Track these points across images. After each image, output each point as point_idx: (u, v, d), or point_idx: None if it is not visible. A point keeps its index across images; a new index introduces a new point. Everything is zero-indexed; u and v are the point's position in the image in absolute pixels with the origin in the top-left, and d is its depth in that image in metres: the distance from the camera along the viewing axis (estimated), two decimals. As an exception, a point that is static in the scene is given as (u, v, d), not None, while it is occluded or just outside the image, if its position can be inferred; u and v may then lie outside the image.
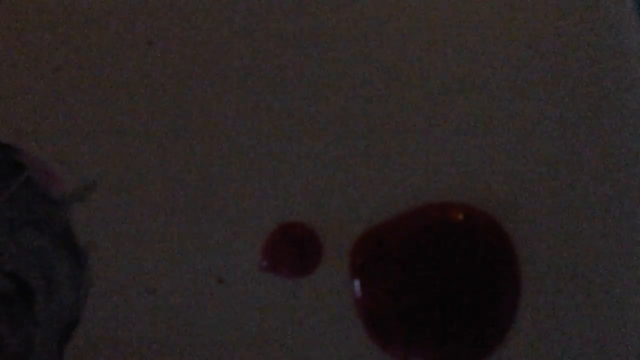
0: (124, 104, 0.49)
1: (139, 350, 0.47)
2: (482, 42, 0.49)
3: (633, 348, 0.47)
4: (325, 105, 0.49)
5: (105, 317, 0.47)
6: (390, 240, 0.48)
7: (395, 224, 0.48)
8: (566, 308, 0.48)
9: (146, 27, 0.49)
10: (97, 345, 0.47)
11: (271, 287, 0.48)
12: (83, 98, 0.49)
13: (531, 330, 0.47)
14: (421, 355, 0.47)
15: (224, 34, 0.49)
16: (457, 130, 0.49)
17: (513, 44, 0.49)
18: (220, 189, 0.48)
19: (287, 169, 0.48)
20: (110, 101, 0.49)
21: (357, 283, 0.48)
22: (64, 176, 0.48)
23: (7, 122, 0.48)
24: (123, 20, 0.49)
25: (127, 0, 0.50)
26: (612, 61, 0.49)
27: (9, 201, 0.47)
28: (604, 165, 0.48)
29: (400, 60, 0.49)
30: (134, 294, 0.48)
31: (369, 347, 0.47)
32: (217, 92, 0.49)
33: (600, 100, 0.49)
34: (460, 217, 0.48)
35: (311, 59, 0.49)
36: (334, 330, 0.47)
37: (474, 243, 0.47)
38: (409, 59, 0.49)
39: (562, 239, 0.48)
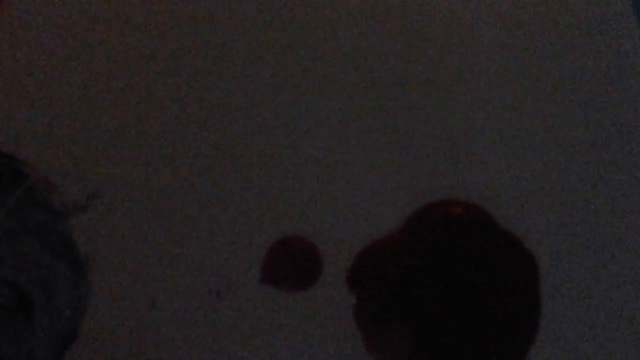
0: (126, 116, 0.49)
1: (137, 362, 0.47)
2: (481, 44, 0.49)
3: None
4: (325, 120, 0.49)
5: (104, 329, 0.47)
6: (389, 255, 0.48)
7: (394, 239, 0.48)
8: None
9: (149, 39, 0.50)
10: (96, 357, 0.47)
11: (270, 301, 0.48)
12: (85, 110, 0.49)
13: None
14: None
15: (227, 49, 0.50)
16: (457, 145, 0.49)
17: (512, 45, 0.49)
18: (220, 203, 0.48)
19: (287, 184, 0.49)
20: (112, 114, 0.49)
21: (355, 298, 0.48)
22: (65, 187, 0.48)
23: (9, 132, 0.48)
24: (126, 32, 0.50)
25: (130, 12, 0.50)
26: (611, 61, 0.49)
27: (10, 211, 0.47)
28: (604, 165, 0.49)
29: (400, 82, 0.50)
30: (133, 306, 0.47)
31: (366, 362, 0.48)
32: (219, 107, 0.49)
33: (599, 100, 0.49)
34: (461, 230, 0.48)
35: (312, 77, 0.50)
36: (332, 344, 0.47)
37: (475, 254, 0.47)
38: (406, 78, 0.50)
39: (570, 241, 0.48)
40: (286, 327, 0.48)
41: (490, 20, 0.50)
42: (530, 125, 0.49)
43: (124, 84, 0.49)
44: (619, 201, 0.48)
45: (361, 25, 0.50)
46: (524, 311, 0.47)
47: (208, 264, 0.48)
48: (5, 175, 0.47)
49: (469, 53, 0.50)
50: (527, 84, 0.49)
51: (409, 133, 0.49)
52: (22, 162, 0.48)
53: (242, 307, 0.48)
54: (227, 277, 0.48)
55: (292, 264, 0.48)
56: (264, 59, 0.50)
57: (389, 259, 0.48)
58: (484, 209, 0.48)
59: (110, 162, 0.49)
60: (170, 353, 0.47)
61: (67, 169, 0.48)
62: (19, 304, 0.46)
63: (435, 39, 0.50)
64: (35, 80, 0.49)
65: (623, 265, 0.48)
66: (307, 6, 0.50)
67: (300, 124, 0.49)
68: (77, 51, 0.49)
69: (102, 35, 0.50)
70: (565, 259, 0.48)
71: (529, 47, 0.50)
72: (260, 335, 0.48)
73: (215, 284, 0.48)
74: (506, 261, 0.47)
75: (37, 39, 0.49)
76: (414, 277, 0.47)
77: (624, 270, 0.48)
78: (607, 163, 0.49)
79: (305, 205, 0.48)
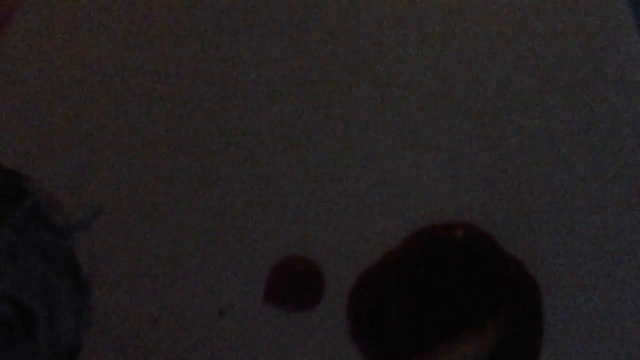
0: (130, 134, 0.49)
1: (138, 380, 0.47)
2: (479, 45, 0.50)
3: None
4: (328, 140, 0.49)
5: (107, 346, 0.47)
6: (389, 278, 0.48)
7: (394, 262, 0.48)
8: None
9: (153, 52, 0.50)
10: (98, 375, 0.47)
11: (273, 321, 0.48)
12: (89, 128, 0.49)
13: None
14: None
15: (231, 67, 0.50)
16: (458, 165, 0.49)
17: (512, 46, 0.50)
18: (224, 222, 0.48)
19: (290, 203, 0.49)
20: (116, 131, 0.49)
21: (350, 324, 0.48)
22: (68, 204, 0.48)
23: (13, 149, 0.48)
24: (127, 45, 0.50)
25: (130, 20, 0.50)
26: (610, 62, 0.49)
27: (13, 227, 0.47)
28: (606, 174, 0.49)
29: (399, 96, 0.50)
30: (135, 324, 0.47)
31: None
32: (223, 123, 0.49)
33: (599, 102, 0.49)
34: (462, 252, 0.48)
35: (313, 96, 0.50)
36: (334, 365, 0.48)
37: (477, 277, 0.48)
38: (405, 89, 0.50)
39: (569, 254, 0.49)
40: (289, 347, 0.48)
41: (490, 21, 0.50)
42: (530, 134, 0.49)
43: (128, 101, 0.49)
44: (624, 220, 0.49)
45: (363, 35, 0.50)
46: (525, 334, 0.47)
47: (211, 283, 0.48)
48: (9, 192, 0.47)
49: (468, 55, 0.50)
50: (526, 87, 0.50)
51: (410, 154, 0.49)
52: (26, 179, 0.48)
53: (244, 326, 0.48)
54: (230, 296, 0.48)
55: (295, 284, 0.48)
56: (265, 68, 0.50)
57: (388, 282, 0.48)
58: (485, 231, 0.48)
59: (114, 180, 0.49)
60: (171, 371, 0.47)
61: (70, 187, 0.48)
62: (21, 320, 0.46)
63: (435, 47, 0.50)
64: (40, 97, 0.49)
65: (628, 290, 0.48)
66: (306, 6, 0.50)
67: (303, 143, 0.49)
68: (82, 67, 0.49)
69: (106, 50, 0.50)
70: (568, 281, 0.48)
71: (528, 48, 0.50)
72: (262, 355, 0.48)
73: (218, 303, 0.48)
74: (507, 284, 0.47)
75: (41, 56, 0.49)
76: (413, 298, 0.48)
77: (628, 295, 0.48)
78: (609, 172, 0.49)
79: (307, 225, 0.49)
